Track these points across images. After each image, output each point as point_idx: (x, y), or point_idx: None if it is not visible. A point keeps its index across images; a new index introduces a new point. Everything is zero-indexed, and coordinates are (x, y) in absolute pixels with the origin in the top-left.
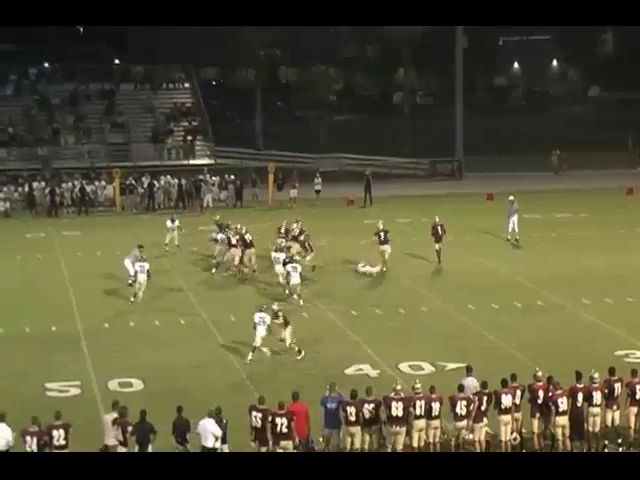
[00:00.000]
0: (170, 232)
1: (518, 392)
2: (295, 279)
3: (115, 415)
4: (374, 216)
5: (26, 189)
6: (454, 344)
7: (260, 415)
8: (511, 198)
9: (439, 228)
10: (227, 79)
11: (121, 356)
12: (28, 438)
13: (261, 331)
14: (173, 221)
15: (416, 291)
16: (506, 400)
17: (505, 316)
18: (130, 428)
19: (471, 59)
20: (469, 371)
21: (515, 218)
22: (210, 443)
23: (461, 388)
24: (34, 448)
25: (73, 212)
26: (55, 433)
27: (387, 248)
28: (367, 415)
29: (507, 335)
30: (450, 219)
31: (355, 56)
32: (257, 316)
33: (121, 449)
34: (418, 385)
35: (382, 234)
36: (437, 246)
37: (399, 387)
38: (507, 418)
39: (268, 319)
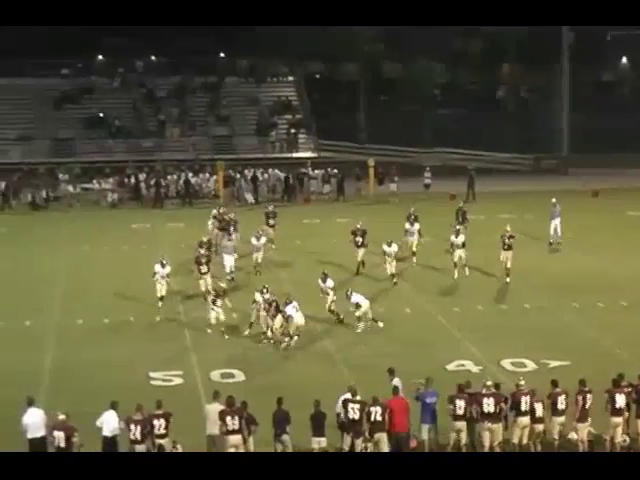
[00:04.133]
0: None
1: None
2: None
3: (221, 406)
4: (476, 211)
5: (132, 181)
6: (557, 342)
7: (358, 406)
8: (553, 201)
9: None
10: (331, 73)
11: (224, 347)
12: (132, 426)
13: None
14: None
15: (519, 288)
16: (620, 400)
17: (610, 315)
18: (245, 414)
19: (578, 54)
20: (392, 373)
21: (558, 221)
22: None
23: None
24: (138, 436)
25: (177, 204)
26: (156, 422)
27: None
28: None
29: (612, 333)
30: None
31: (459, 51)
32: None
33: (234, 438)
34: (522, 382)
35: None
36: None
37: (489, 383)
38: (619, 420)
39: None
